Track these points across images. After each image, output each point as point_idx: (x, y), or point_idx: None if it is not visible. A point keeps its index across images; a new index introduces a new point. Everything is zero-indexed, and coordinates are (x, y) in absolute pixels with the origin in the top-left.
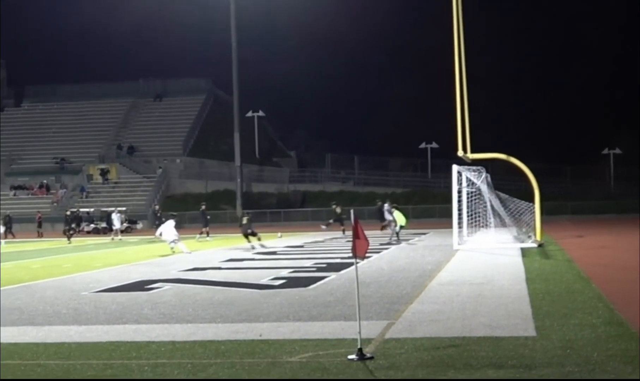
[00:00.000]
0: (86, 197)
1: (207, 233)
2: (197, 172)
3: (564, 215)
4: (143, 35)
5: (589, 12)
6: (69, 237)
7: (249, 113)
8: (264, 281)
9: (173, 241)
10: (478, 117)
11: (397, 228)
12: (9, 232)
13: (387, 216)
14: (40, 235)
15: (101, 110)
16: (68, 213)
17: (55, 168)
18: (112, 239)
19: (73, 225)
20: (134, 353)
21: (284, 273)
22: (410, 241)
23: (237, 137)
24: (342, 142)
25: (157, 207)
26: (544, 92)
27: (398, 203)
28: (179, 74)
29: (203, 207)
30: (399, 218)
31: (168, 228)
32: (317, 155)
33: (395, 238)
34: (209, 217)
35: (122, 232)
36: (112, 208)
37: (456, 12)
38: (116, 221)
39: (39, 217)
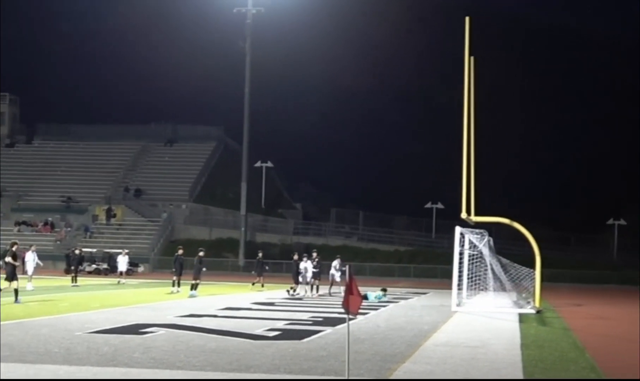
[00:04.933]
0: (90, 237)
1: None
2: (202, 219)
3: (565, 283)
4: (157, 80)
5: (602, 81)
6: (73, 278)
7: (258, 163)
8: (259, 331)
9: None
10: (485, 180)
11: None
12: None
13: (334, 272)
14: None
15: (111, 151)
16: (77, 251)
17: (61, 207)
18: (119, 282)
19: (81, 266)
20: None
21: (280, 324)
22: (409, 300)
23: (244, 186)
24: (348, 197)
25: (260, 254)
26: (552, 159)
27: (401, 261)
28: (191, 120)
29: (180, 251)
30: None
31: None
32: (322, 208)
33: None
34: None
35: (125, 274)
36: (118, 250)
37: (467, 74)
38: (122, 263)
39: (24, 255)
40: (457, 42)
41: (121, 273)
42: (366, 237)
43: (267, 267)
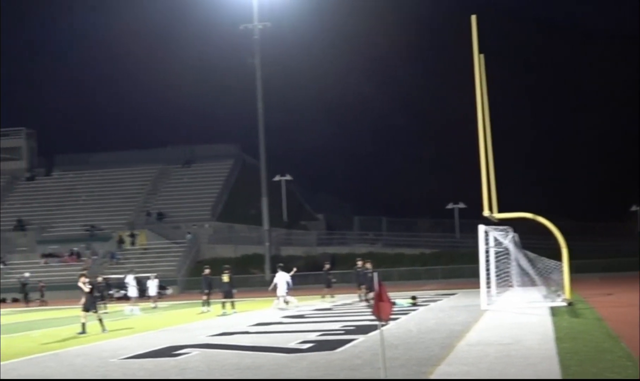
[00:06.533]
0: (116, 263)
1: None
2: (226, 237)
3: (594, 273)
4: (171, 102)
5: (622, 70)
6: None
7: (277, 177)
8: (292, 345)
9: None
10: (505, 176)
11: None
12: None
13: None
14: (44, 304)
15: (130, 177)
16: (100, 279)
17: (85, 235)
18: (154, 306)
19: (110, 292)
20: None
21: (312, 336)
22: (438, 302)
23: (265, 201)
24: (369, 204)
25: (327, 266)
26: (570, 151)
27: (427, 263)
28: (207, 139)
29: (207, 271)
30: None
31: (280, 280)
32: (345, 217)
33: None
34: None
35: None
36: (147, 275)
37: (478, 72)
38: (152, 287)
39: (42, 286)
40: (463, 41)
41: (151, 297)
42: (391, 242)
43: (334, 280)
